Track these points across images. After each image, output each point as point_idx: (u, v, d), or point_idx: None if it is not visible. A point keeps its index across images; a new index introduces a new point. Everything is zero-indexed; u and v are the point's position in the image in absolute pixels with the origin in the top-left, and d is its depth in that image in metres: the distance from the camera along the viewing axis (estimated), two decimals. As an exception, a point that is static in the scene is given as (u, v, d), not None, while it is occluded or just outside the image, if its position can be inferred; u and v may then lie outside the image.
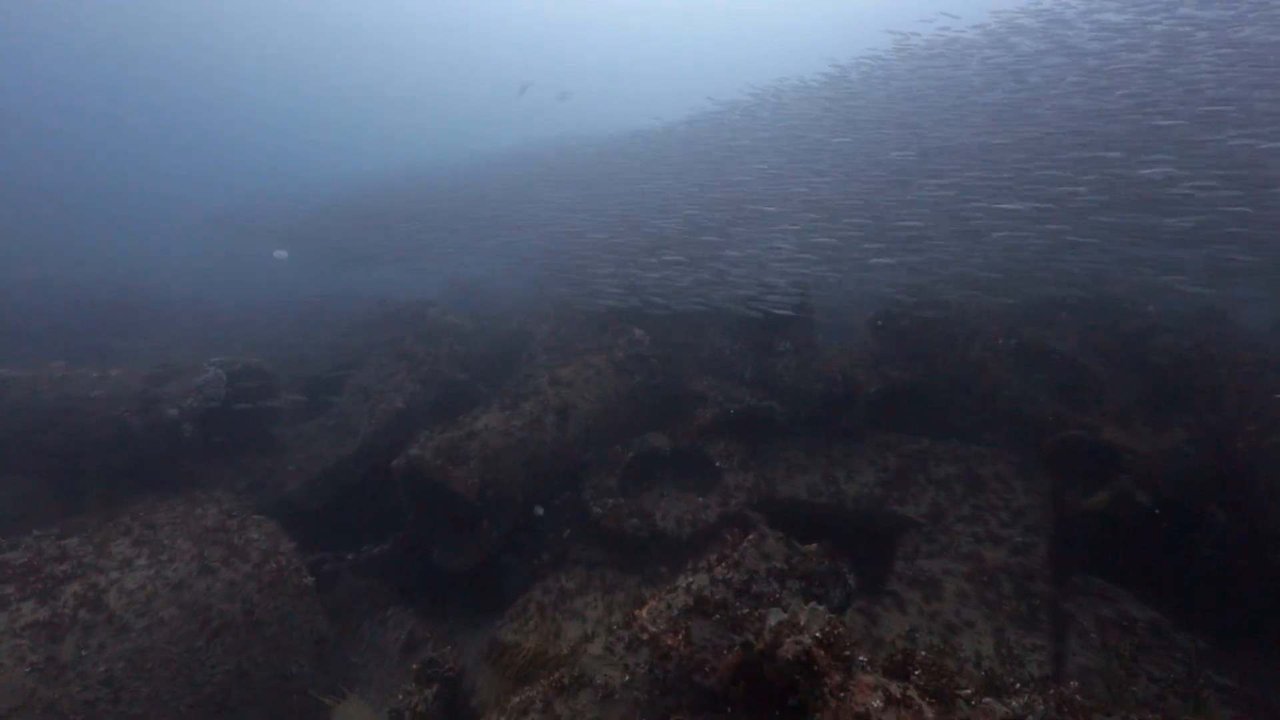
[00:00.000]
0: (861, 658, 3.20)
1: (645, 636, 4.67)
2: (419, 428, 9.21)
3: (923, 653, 3.37)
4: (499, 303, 16.41)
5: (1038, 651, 5.17)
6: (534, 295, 16.02)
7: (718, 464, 8.07)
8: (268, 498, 8.59)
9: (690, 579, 5.05)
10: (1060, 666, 5.05)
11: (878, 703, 2.87)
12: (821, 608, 3.53)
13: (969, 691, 3.00)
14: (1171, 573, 5.97)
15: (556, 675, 4.63)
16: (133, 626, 5.60)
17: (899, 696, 2.94)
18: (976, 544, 6.50)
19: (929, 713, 2.88)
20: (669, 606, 4.89)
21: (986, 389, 8.21)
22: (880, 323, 9.58)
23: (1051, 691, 3.03)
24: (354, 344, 11.69)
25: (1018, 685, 3.28)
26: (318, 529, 8.34)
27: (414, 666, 5.58)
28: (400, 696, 5.37)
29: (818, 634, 3.39)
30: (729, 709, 3.68)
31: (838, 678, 3.08)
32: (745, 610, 4.70)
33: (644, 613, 4.94)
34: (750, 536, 5.23)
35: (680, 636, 4.63)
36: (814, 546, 5.08)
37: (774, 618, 3.53)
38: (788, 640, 3.32)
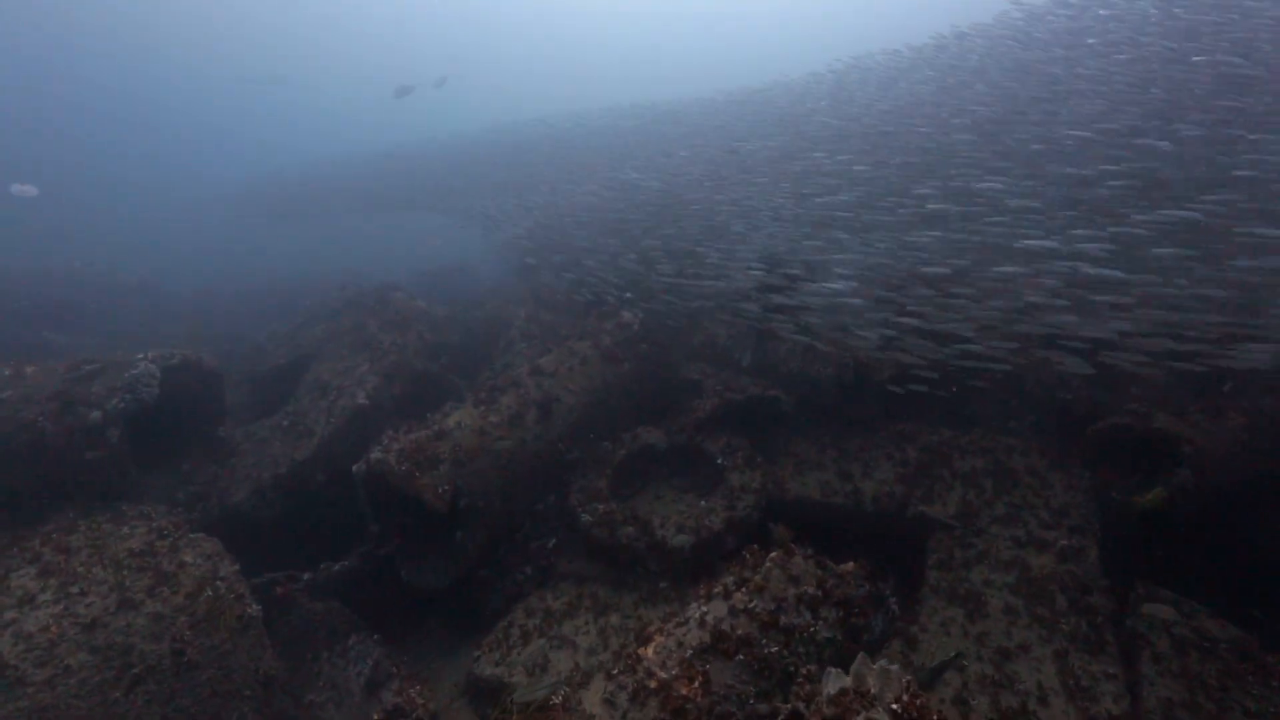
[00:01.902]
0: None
1: (653, 684, 3.84)
2: (384, 426, 8.26)
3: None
4: (474, 288, 15.39)
5: (1109, 681, 4.43)
6: (513, 280, 15.04)
7: (720, 461, 7.25)
8: (212, 510, 7.60)
9: (704, 608, 4.22)
10: (1137, 700, 4.31)
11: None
12: (895, 668, 2.72)
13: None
14: (1243, 581, 5.29)
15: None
16: (30, 679, 4.63)
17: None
18: (1018, 549, 5.76)
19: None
20: (680, 645, 4.06)
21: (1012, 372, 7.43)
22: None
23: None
24: (312, 334, 10.63)
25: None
26: (269, 544, 7.37)
27: (376, 718, 4.70)
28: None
29: (895, 708, 2.59)
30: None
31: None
32: (774, 649, 3.89)
33: (650, 652, 4.10)
34: (773, 554, 4.41)
35: (696, 684, 3.79)
36: (850, 566, 4.27)
37: (833, 684, 2.72)
38: (857, 719, 2.51)
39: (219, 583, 5.76)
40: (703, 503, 6.74)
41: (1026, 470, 6.63)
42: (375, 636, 6.38)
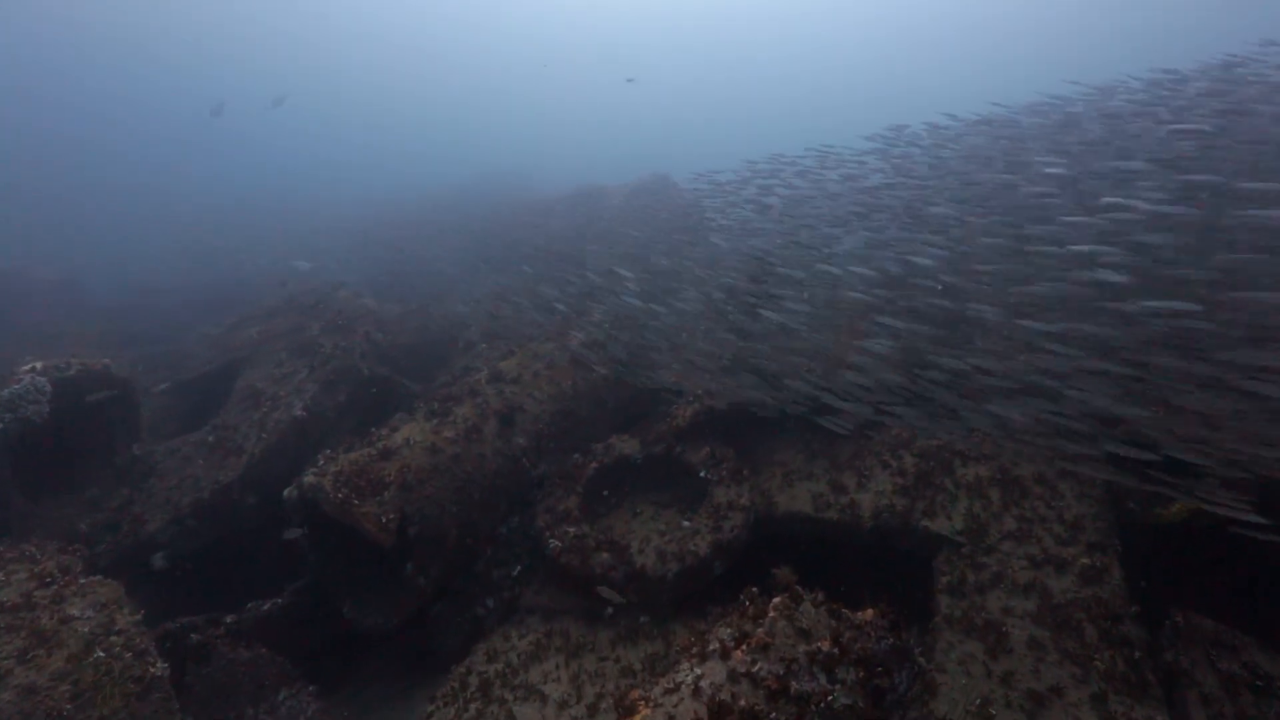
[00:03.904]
0: None
1: (641, 775, 3.12)
2: (326, 441, 7.37)
3: None
4: (432, 286, 14.37)
5: (1159, 731, 3.88)
6: (476, 277, 14.11)
7: (703, 474, 6.55)
8: (123, 542, 6.61)
9: (697, 671, 3.50)
10: (1193, 753, 3.77)
11: None
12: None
13: None
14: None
15: None
16: None
17: None
18: (1034, 570, 5.20)
19: None
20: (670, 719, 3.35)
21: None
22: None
23: None
24: (245, 336, 9.57)
25: None
26: (188, 582, 6.44)
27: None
28: None
29: None
30: None
31: None
32: (786, 723, 3.21)
33: (635, 728, 3.38)
34: (777, 600, 3.72)
35: (695, 776, 3.09)
36: (869, 614, 3.60)
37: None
38: None
39: (113, 639, 4.83)
40: (685, 522, 6.04)
41: (1034, 479, 6.10)
42: (311, 688, 5.53)
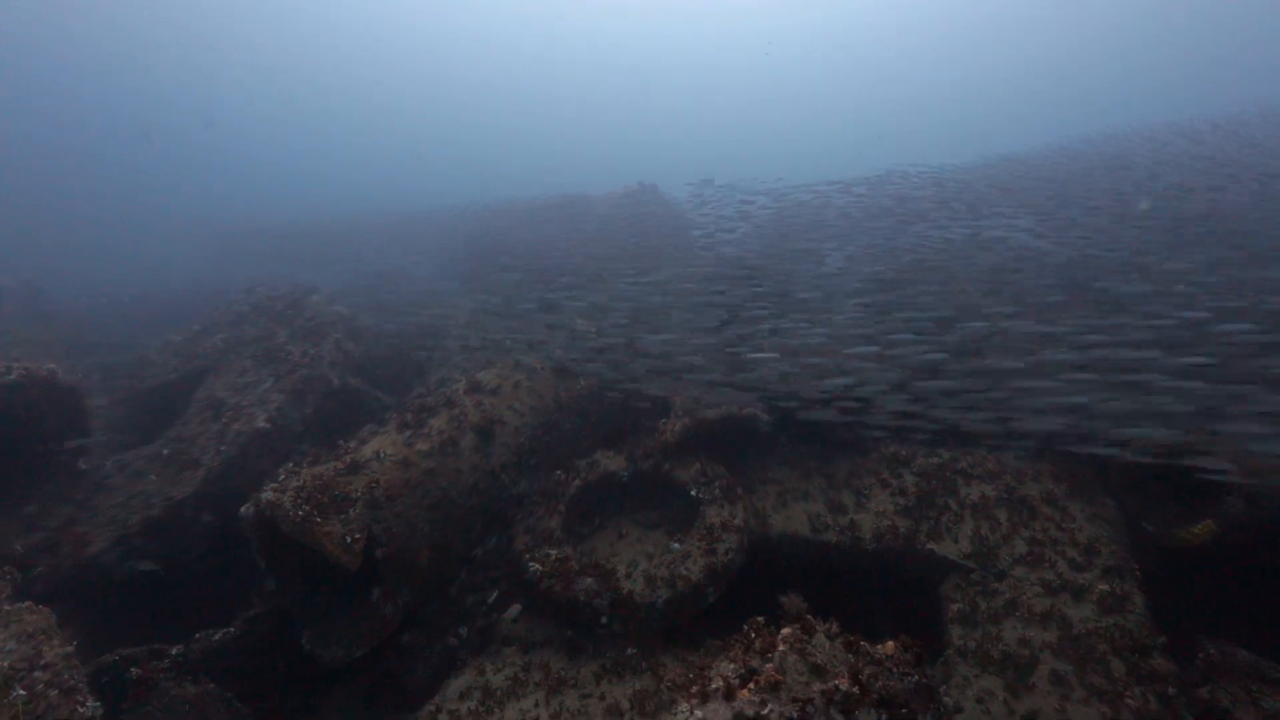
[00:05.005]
0: None
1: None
2: (290, 456, 6.88)
3: None
4: (410, 293, 13.92)
5: (1201, 779, 3.54)
6: (455, 285, 13.68)
7: (693, 493, 6.17)
8: (62, 565, 6.05)
9: (698, 714, 3.10)
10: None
11: None
12: None
13: None
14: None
15: None
16: None
17: None
18: (1050, 597, 4.88)
19: None
20: (668, 773, 2.95)
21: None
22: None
23: None
24: (210, 344, 9.04)
25: None
26: (134, 608, 5.89)
27: None
28: None
29: None
30: None
31: None
32: (800, 779, 2.82)
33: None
34: (786, 631, 3.34)
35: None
36: (891, 646, 3.23)
37: None
38: None
39: (38, 674, 4.30)
40: (676, 545, 5.64)
41: (1043, 498, 5.82)
42: (264, 728, 5.00)
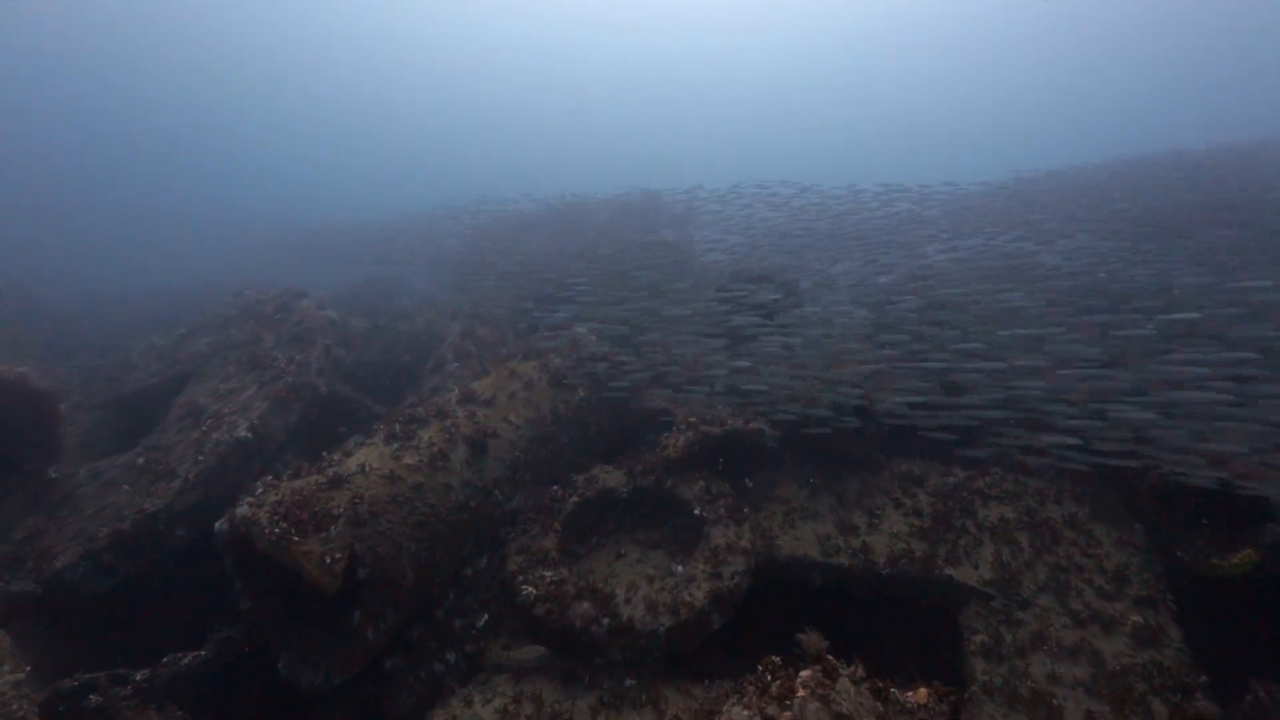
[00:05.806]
0: None
1: None
2: (273, 466, 6.54)
3: None
4: (403, 299, 13.63)
5: (1260, 840, 3.21)
6: (450, 292, 13.39)
7: (697, 511, 5.84)
8: (23, 581, 5.68)
9: (708, 768, 2.79)
10: None
11: None
12: None
13: None
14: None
15: None
16: None
17: None
18: (1079, 629, 4.56)
19: None
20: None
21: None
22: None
23: None
24: (194, 348, 8.71)
25: None
26: (99, 629, 5.53)
27: None
28: None
29: None
30: None
31: None
32: None
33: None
34: (805, 674, 3.01)
35: None
36: (923, 694, 2.91)
37: None
38: None
39: (-15, 706, 3.94)
40: (679, 567, 5.31)
41: (1066, 521, 5.51)
42: (232, 763, 4.64)
